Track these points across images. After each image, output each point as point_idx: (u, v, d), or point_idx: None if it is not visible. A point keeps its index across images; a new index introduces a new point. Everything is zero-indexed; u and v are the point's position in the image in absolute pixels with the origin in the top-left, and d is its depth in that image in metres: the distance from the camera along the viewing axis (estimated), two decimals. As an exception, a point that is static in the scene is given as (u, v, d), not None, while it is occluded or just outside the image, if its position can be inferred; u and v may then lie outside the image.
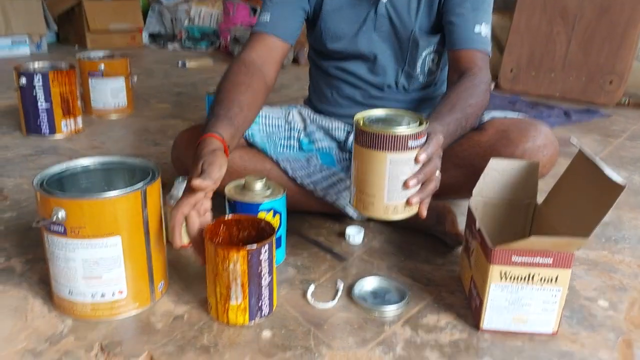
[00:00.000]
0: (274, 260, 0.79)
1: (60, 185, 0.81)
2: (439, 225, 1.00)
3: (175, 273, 0.91)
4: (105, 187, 0.85)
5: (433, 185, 0.76)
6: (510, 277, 0.74)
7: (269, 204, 0.88)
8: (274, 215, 0.90)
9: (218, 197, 1.09)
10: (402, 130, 0.71)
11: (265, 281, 0.77)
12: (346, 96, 1.15)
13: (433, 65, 1.09)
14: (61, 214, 0.72)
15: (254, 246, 0.74)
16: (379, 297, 0.85)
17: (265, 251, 0.75)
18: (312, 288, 0.86)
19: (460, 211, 1.07)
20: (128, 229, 0.75)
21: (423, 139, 0.74)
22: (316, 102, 1.22)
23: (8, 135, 1.67)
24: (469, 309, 0.83)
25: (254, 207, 0.87)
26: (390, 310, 0.81)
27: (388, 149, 0.72)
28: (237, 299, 0.76)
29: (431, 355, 0.73)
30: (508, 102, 2.32)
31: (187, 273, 0.92)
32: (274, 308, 0.81)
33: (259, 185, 0.90)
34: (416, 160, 0.73)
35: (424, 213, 0.77)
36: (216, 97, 0.92)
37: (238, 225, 0.83)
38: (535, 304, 0.75)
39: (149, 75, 2.69)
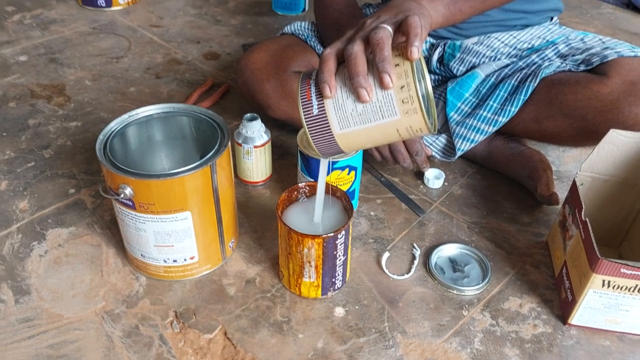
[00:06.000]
0: (350, 239, 0.73)
1: (123, 139, 0.75)
2: (530, 180, 0.90)
3: (246, 219, 0.88)
4: (170, 142, 0.79)
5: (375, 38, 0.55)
6: (614, 287, 0.67)
7: (344, 162, 0.80)
8: (349, 172, 0.82)
9: (289, 151, 1.01)
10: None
11: (339, 261, 0.73)
12: None
13: None
14: (128, 191, 0.67)
15: (330, 234, 0.68)
16: (458, 267, 0.80)
17: (342, 236, 0.70)
18: (386, 255, 0.82)
19: (556, 157, 0.95)
20: (198, 203, 0.71)
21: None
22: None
23: (63, 4, 1.57)
24: (555, 291, 0.78)
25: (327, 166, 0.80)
26: (470, 290, 0.77)
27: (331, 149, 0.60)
28: (310, 278, 0.73)
29: (511, 352, 0.70)
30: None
31: (258, 219, 0.88)
32: (348, 277, 0.78)
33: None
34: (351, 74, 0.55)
35: (415, 56, 0.54)
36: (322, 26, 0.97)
37: (312, 190, 0.77)
38: (636, 310, 0.69)
39: None
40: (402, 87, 0.54)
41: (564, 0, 1.08)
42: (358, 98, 0.55)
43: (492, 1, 0.75)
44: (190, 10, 1.57)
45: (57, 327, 0.72)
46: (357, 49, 0.55)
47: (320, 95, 0.57)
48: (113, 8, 1.53)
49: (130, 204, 0.69)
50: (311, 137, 0.59)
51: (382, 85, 0.54)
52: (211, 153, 0.70)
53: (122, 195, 0.67)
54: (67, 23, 1.47)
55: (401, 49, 0.55)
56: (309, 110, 0.58)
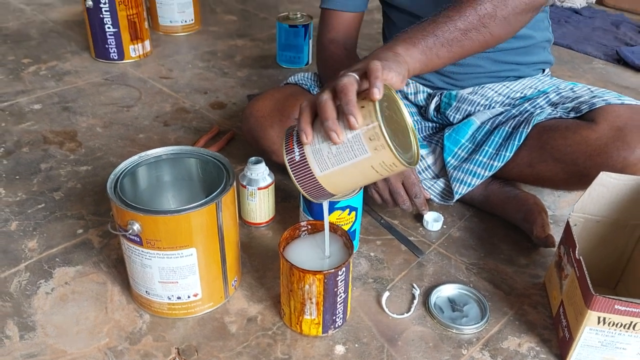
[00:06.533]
0: (351, 277, 0.75)
1: (133, 179, 0.79)
2: (526, 222, 0.92)
3: (248, 259, 0.90)
4: (178, 182, 0.82)
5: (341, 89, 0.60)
6: (610, 324, 0.68)
7: (345, 202, 0.83)
8: (349, 213, 0.85)
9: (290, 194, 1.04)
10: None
11: (340, 298, 0.74)
12: None
13: None
14: (136, 227, 0.69)
15: (331, 270, 0.70)
16: (457, 307, 0.81)
17: (342, 273, 0.72)
18: (386, 295, 0.83)
19: (552, 202, 0.98)
20: (203, 240, 0.73)
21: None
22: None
23: (77, 57, 1.65)
24: (553, 331, 0.79)
25: (329, 206, 0.82)
26: (469, 330, 0.78)
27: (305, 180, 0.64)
28: (312, 315, 0.74)
29: (510, 391, 0.71)
30: (610, 23, 2.04)
31: (260, 259, 0.90)
32: (348, 316, 0.79)
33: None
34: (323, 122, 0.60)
35: (376, 96, 0.58)
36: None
37: (313, 228, 0.79)
38: (632, 349, 0.70)
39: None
40: (367, 126, 0.59)
41: (556, 55, 1.14)
42: (330, 140, 0.60)
43: (472, 47, 0.78)
44: (199, 64, 1.64)
45: (60, 362, 0.73)
46: (326, 97, 0.61)
47: (300, 142, 0.62)
48: (125, 61, 1.61)
49: (138, 240, 0.71)
50: (296, 181, 0.64)
51: (348, 125, 0.59)
52: (217, 191, 0.73)
53: (130, 232, 0.70)
54: (81, 74, 1.54)
55: (366, 92, 0.61)
56: (291, 157, 0.63)
